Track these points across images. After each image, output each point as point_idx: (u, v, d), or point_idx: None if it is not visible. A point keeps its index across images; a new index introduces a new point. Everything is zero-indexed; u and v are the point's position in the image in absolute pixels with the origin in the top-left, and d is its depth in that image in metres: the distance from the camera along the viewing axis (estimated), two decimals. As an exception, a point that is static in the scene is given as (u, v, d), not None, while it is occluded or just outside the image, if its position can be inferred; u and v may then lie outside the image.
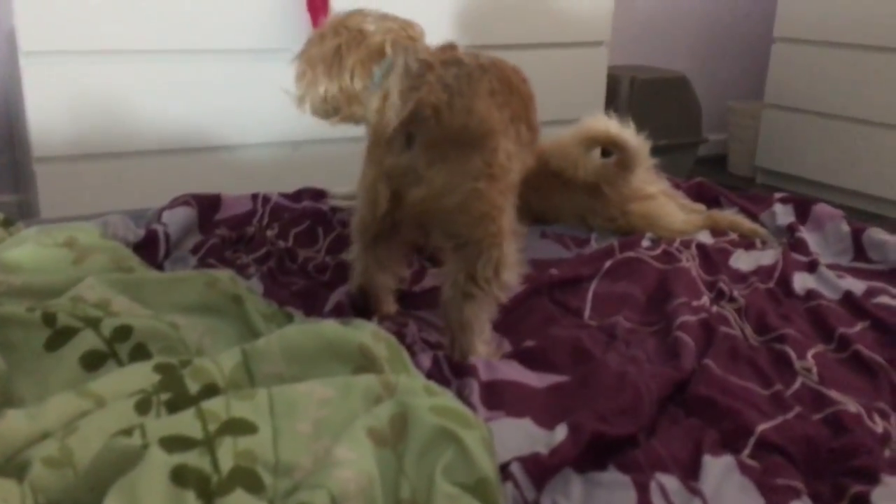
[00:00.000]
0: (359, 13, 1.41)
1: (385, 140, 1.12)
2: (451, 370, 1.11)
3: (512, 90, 1.20)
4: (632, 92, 3.19)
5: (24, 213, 2.45)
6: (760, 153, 3.45)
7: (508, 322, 1.29)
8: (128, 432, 0.75)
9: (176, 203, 1.61)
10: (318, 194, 1.81)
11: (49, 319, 0.99)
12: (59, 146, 2.13)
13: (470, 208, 1.10)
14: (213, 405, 0.81)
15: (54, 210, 2.10)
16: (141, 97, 2.22)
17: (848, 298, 1.38)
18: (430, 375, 1.08)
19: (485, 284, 1.12)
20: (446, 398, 0.91)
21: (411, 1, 2.51)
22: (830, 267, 1.52)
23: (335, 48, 1.34)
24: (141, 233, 1.46)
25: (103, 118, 2.17)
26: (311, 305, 1.30)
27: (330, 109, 1.37)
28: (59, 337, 0.98)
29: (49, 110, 2.10)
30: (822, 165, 3.19)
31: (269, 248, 1.52)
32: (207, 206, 1.65)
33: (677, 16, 3.75)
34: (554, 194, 1.73)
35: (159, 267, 1.45)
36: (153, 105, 2.24)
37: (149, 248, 1.46)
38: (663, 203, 1.72)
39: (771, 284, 1.45)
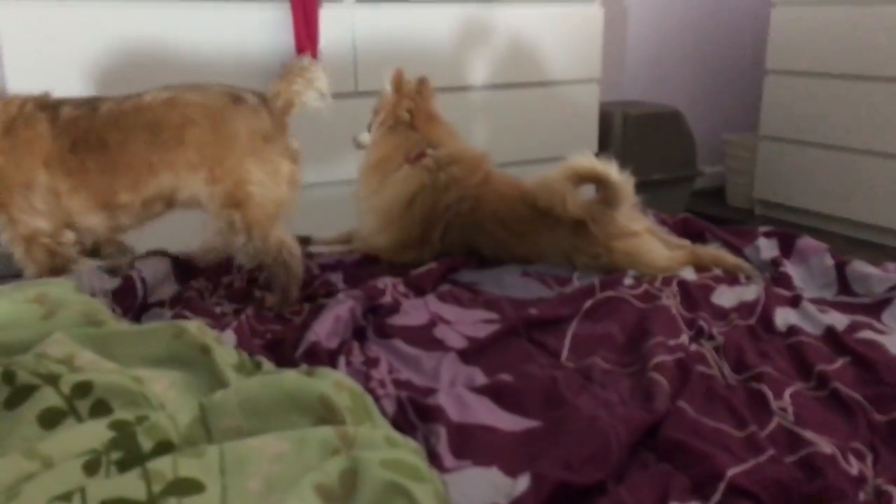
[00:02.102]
0: None
1: None
2: (417, 415, 1.09)
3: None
4: (625, 127, 3.19)
5: (7, 265, 2.45)
6: (758, 185, 3.44)
7: (482, 358, 1.28)
8: (67, 496, 0.73)
9: (150, 254, 1.61)
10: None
11: (8, 377, 0.98)
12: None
13: None
14: (160, 465, 0.80)
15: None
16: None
17: (830, 334, 1.35)
18: (395, 422, 1.06)
19: None
20: (403, 450, 0.89)
21: (415, 45, 2.54)
22: (814, 301, 1.50)
23: None
24: (116, 282, 1.46)
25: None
26: (284, 353, 1.28)
27: None
28: (18, 394, 0.97)
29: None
30: (820, 195, 3.17)
31: (245, 294, 1.51)
32: (182, 263, 1.65)
33: (668, 50, 3.77)
34: (538, 236, 1.72)
35: (136, 315, 1.44)
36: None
37: (125, 296, 1.46)
38: (647, 240, 1.71)
39: (752, 321, 1.42)
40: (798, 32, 3.17)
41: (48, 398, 0.97)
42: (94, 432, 0.88)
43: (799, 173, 3.24)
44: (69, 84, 2.09)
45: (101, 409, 0.99)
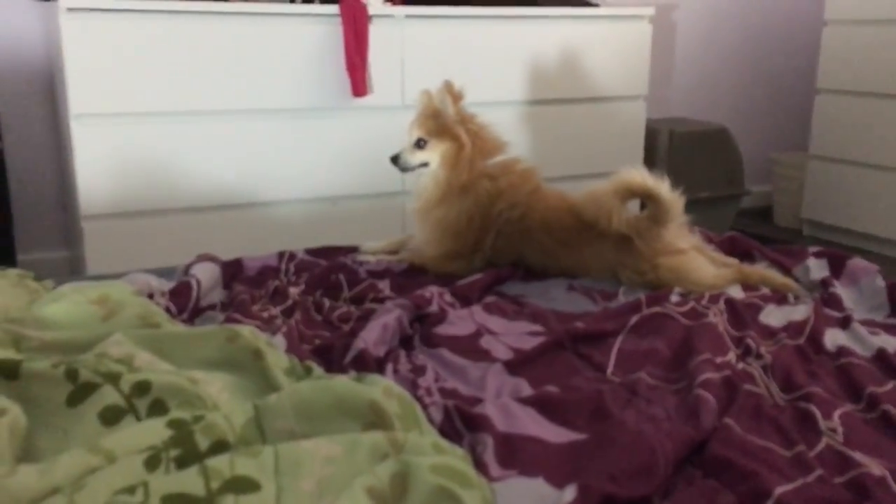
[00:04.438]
0: None
1: None
2: (463, 424, 1.10)
3: None
4: (671, 145, 3.18)
5: (73, 269, 2.53)
6: (806, 205, 3.40)
7: (529, 369, 1.29)
8: (131, 490, 0.76)
9: (201, 258, 1.66)
10: (344, 250, 1.84)
11: (72, 375, 1.01)
12: (105, 204, 2.21)
13: None
14: (218, 462, 0.82)
15: (101, 266, 2.17)
16: (184, 156, 2.29)
17: (880, 356, 1.34)
18: (442, 430, 1.08)
19: None
20: (452, 457, 0.90)
21: (463, 60, 2.56)
22: (864, 323, 1.48)
23: None
24: (171, 284, 1.50)
25: (147, 177, 2.25)
26: (332, 358, 1.31)
27: None
28: (80, 392, 1.00)
29: (96, 170, 2.18)
30: (868, 216, 3.12)
31: (294, 300, 1.54)
32: (230, 267, 1.70)
33: (717, 68, 3.75)
34: (584, 248, 1.73)
35: (190, 316, 1.48)
36: (195, 163, 2.31)
37: (181, 296, 1.51)
38: (694, 257, 1.71)
39: (801, 341, 1.41)
40: (850, 51, 3.14)
41: (109, 396, 1.01)
42: (154, 430, 0.91)
43: (849, 194, 3.20)
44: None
45: (158, 408, 1.02)
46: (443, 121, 1.79)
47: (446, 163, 1.79)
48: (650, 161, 3.08)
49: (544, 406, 1.15)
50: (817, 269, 1.71)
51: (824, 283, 1.66)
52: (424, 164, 1.82)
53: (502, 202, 1.78)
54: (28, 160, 2.56)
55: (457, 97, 1.81)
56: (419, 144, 1.81)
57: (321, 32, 2.41)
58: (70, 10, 2.09)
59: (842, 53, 3.16)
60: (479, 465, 1.01)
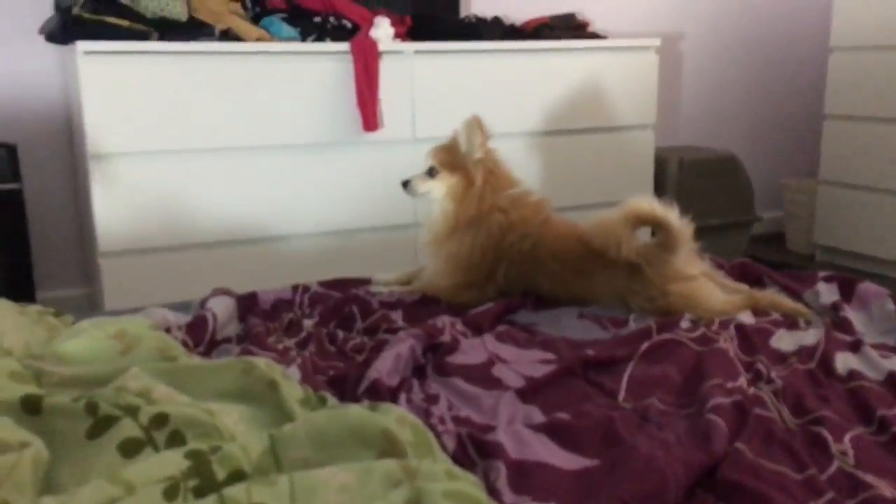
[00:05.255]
0: None
1: None
2: (476, 451, 1.12)
3: None
4: (680, 173, 3.20)
5: (92, 305, 2.56)
6: (818, 230, 3.40)
7: (540, 396, 1.30)
8: (150, 518, 0.78)
9: (216, 292, 1.69)
10: (357, 282, 1.87)
11: (92, 408, 1.04)
12: (122, 241, 2.25)
13: None
14: (235, 492, 0.84)
15: (118, 301, 2.20)
16: (198, 192, 2.33)
17: (891, 379, 1.34)
18: (455, 458, 1.09)
19: None
20: (465, 483, 0.92)
21: (472, 93, 2.59)
22: (875, 347, 1.49)
23: None
24: (188, 318, 1.53)
25: (163, 214, 2.29)
26: (346, 389, 1.33)
27: None
28: (101, 425, 1.02)
29: (113, 208, 2.22)
30: (880, 241, 3.12)
31: (309, 332, 1.56)
32: (244, 301, 1.72)
33: (724, 95, 3.78)
34: (594, 275, 1.75)
35: (207, 349, 1.51)
36: (210, 199, 2.35)
37: (198, 330, 1.53)
38: (703, 284, 1.72)
39: (812, 365, 1.42)
40: (856, 77, 3.16)
41: (128, 429, 1.03)
42: (172, 461, 0.93)
43: (859, 218, 3.21)
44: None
45: (176, 439, 1.04)
46: (459, 156, 1.82)
47: (453, 196, 1.82)
48: (660, 189, 3.10)
49: (556, 433, 1.17)
50: (827, 293, 1.72)
51: (835, 308, 1.66)
52: (432, 194, 1.85)
53: (514, 234, 1.80)
54: (46, 200, 2.62)
55: (486, 134, 1.83)
56: (430, 173, 1.84)
57: (332, 69, 2.45)
58: (87, 52, 2.15)
59: (849, 79, 3.18)
60: (493, 492, 1.02)
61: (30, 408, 1.02)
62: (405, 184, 1.87)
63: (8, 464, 0.90)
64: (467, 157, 1.81)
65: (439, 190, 1.84)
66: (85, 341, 1.29)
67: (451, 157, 1.83)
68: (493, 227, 1.80)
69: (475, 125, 1.81)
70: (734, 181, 3.24)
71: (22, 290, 2.39)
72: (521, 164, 2.71)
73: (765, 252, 3.48)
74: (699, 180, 3.18)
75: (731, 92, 3.77)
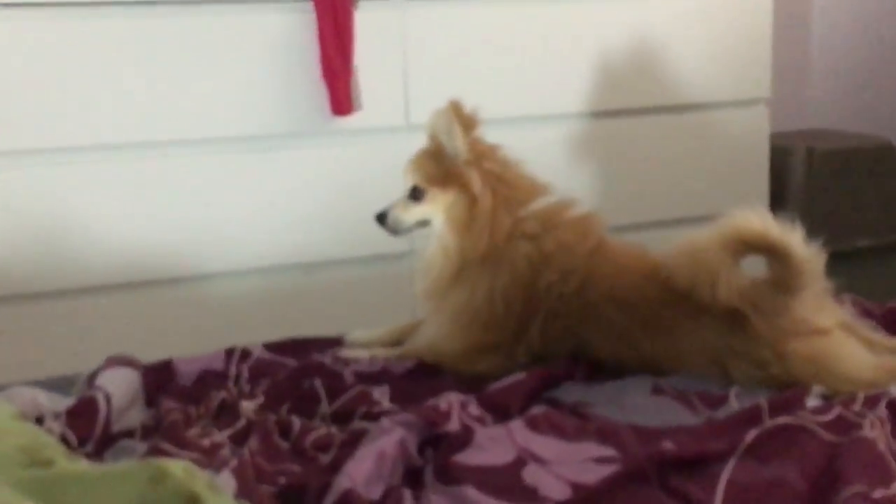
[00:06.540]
0: None
1: None
2: None
3: None
4: (809, 170, 3.19)
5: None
6: None
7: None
8: None
9: (112, 363, 1.70)
10: (321, 343, 1.88)
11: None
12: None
13: None
14: None
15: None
16: (85, 211, 2.32)
17: None
18: None
19: None
20: None
21: (499, 63, 2.60)
22: None
23: None
24: (69, 401, 1.54)
25: (31, 245, 2.28)
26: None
27: None
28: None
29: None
30: None
31: (249, 419, 1.57)
32: (154, 374, 1.74)
33: (876, 59, 3.76)
34: (676, 329, 1.76)
35: (98, 447, 1.52)
36: (103, 222, 2.34)
37: (84, 419, 1.55)
38: (841, 341, 1.73)
39: None
40: None
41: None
42: None
43: None
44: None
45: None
46: (449, 163, 1.84)
47: (454, 222, 1.84)
48: (778, 196, 3.10)
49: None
50: None
51: None
52: (424, 224, 1.87)
53: (551, 271, 1.82)
54: None
55: (469, 123, 1.84)
56: (414, 195, 1.86)
57: (286, 26, 2.46)
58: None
59: None
60: None
61: None
62: (380, 218, 1.88)
63: None
64: (460, 163, 1.83)
65: (436, 216, 1.86)
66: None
67: (438, 168, 1.85)
68: (518, 263, 1.82)
69: (450, 113, 1.82)
70: (892, 182, 3.24)
71: None
72: (562, 160, 2.71)
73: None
74: (839, 181, 3.18)
75: (887, 53, 3.77)
